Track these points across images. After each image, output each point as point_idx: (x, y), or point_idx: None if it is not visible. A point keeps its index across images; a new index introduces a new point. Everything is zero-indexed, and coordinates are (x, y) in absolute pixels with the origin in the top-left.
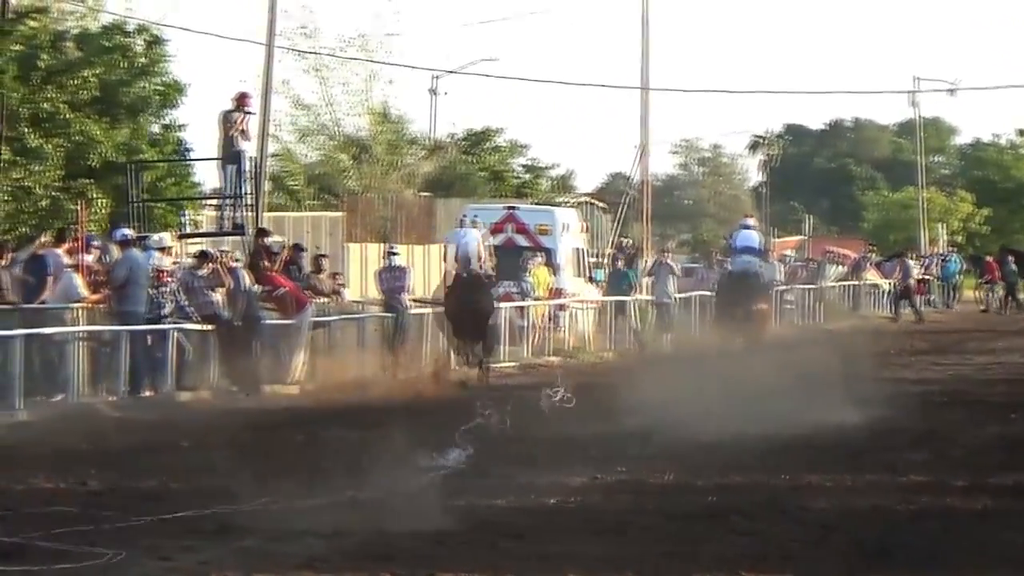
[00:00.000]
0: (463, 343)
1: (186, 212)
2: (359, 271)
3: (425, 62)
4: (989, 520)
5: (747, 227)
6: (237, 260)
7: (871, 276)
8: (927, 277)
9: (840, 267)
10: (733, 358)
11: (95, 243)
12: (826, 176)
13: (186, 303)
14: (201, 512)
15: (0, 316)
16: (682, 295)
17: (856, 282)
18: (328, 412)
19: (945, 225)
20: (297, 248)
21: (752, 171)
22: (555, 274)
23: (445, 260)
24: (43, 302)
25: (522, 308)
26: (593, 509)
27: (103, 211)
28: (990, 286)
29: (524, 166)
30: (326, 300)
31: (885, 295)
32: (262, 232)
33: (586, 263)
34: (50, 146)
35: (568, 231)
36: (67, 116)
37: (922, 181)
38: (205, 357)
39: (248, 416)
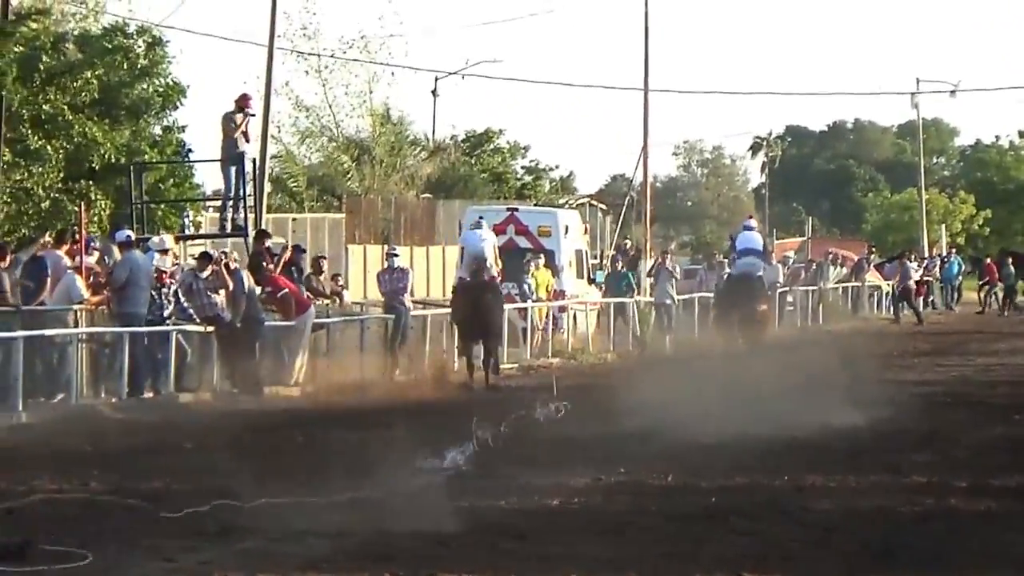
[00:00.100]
0: (469, 344)
1: (187, 213)
2: (360, 273)
3: (427, 63)
4: (992, 521)
5: (749, 228)
6: (235, 261)
7: (872, 278)
8: (928, 279)
9: (841, 268)
10: (734, 360)
11: (94, 244)
12: (827, 177)
13: (187, 304)
14: (203, 513)
15: (1, 317)
16: (683, 297)
17: (857, 283)
18: (329, 413)
19: (946, 227)
20: (297, 249)
21: (753, 172)
22: (556, 276)
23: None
24: (42, 303)
25: (523, 309)
26: (594, 510)
27: (104, 213)
28: (989, 288)
29: (525, 168)
30: (327, 302)
31: (886, 297)
32: (263, 234)
33: (587, 265)
34: (51, 148)
35: (569, 233)
36: (68, 118)
37: (923, 182)
38: (206, 359)
39: (249, 417)
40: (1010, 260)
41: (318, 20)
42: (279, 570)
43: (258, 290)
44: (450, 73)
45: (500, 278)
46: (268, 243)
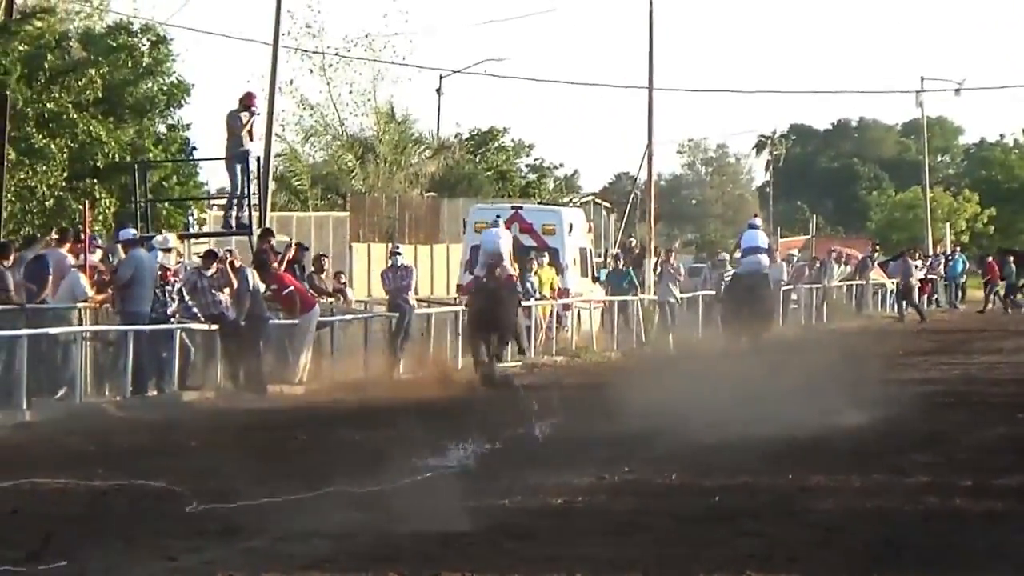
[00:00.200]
0: (483, 342)
1: (192, 212)
2: (364, 271)
3: (431, 62)
4: (996, 521)
5: (754, 227)
6: (239, 259)
7: (876, 276)
8: (932, 277)
9: (845, 267)
10: (737, 359)
11: (96, 242)
12: (831, 176)
13: (191, 303)
14: (206, 512)
15: (5, 316)
16: (687, 295)
17: (861, 282)
18: (333, 412)
19: (950, 225)
20: (300, 247)
21: (757, 171)
22: (560, 274)
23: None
24: (43, 301)
25: (527, 308)
26: (599, 509)
27: (108, 211)
28: (990, 286)
29: (529, 166)
30: (331, 300)
31: (890, 295)
32: (267, 232)
33: (591, 263)
34: (55, 146)
35: (574, 231)
36: (72, 116)
37: (927, 181)
38: (210, 357)
39: (253, 416)
40: (1011, 258)
41: (322, 18)
42: (283, 570)
43: (263, 288)
44: (454, 71)
45: (516, 277)
46: (272, 241)
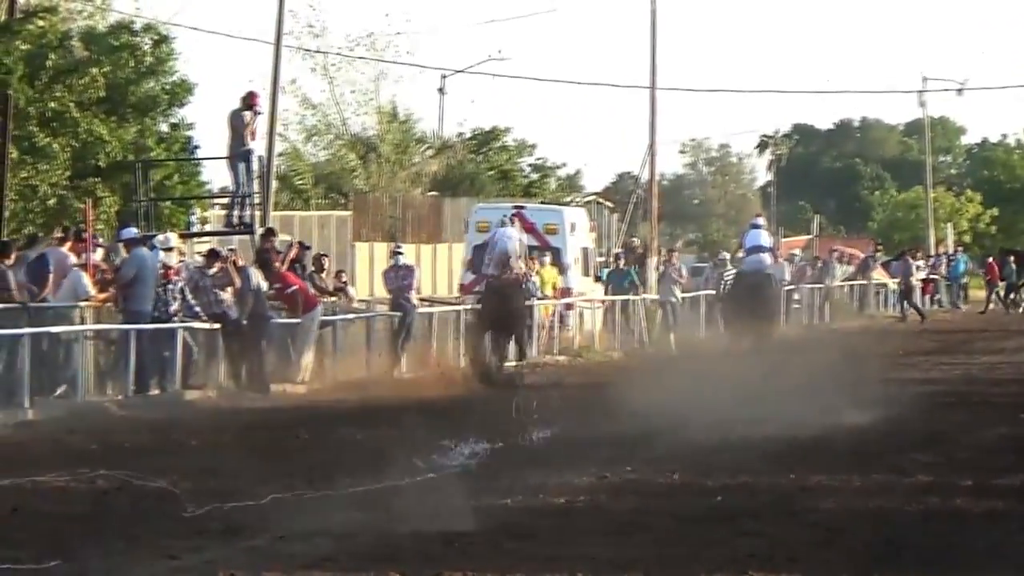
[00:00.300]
0: (488, 341)
1: (194, 211)
2: (367, 270)
3: (434, 61)
4: (997, 521)
5: (757, 226)
6: (241, 258)
7: (878, 276)
8: (934, 277)
9: (847, 267)
10: (739, 358)
11: (98, 240)
12: (834, 176)
13: (194, 302)
14: (208, 511)
15: (7, 315)
16: (689, 295)
17: (863, 282)
18: (335, 411)
19: (953, 225)
20: (302, 246)
21: (760, 171)
22: (563, 273)
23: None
24: (44, 300)
25: (529, 307)
26: (600, 509)
27: (111, 210)
28: (990, 287)
29: (532, 165)
30: (333, 299)
31: (893, 295)
32: (270, 232)
33: (594, 262)
34: (57, 145)
35: (576, 230)
36: (75, 115)
37: (929, 181)
38: (212, 356)
39: (255, 415)
40: (1012, 259)
41: (324, 18)
42: (284, 569)
43: (265, 286)
44: (457, 71)
45: (528, 276)
46: (275, 241)
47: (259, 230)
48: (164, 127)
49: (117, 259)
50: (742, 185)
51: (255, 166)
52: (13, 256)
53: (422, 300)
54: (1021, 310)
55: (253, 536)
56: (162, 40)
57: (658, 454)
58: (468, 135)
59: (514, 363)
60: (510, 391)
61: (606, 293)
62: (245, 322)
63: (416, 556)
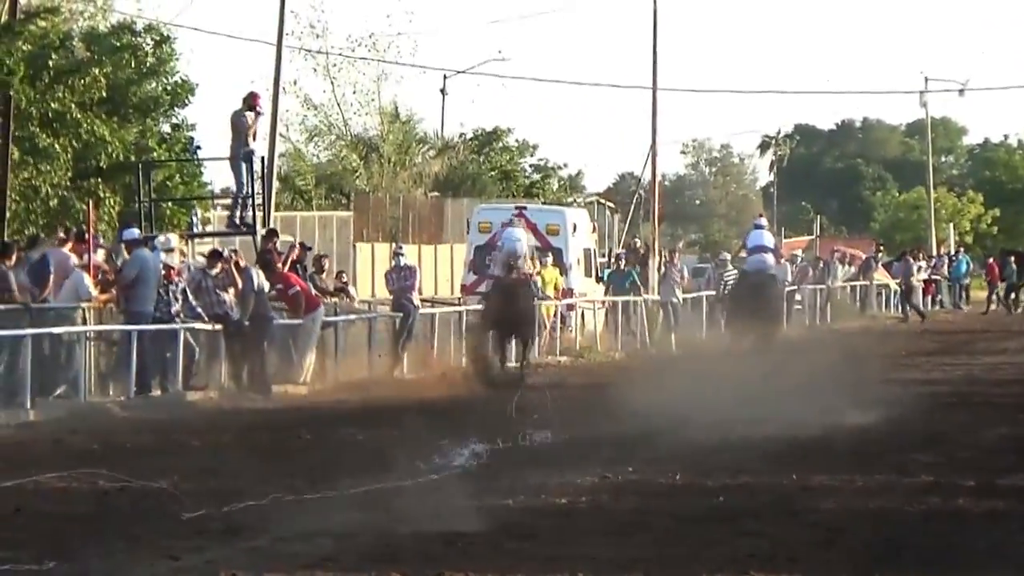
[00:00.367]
0: (496, 342)
1: (196, 211)
2: (368, 271)
3: (435, 62)
4: (999, 522)
5: (759, 227)
6: (243, 259)
7: (880, 276)
8: (936, 278)
9: (849, 267)
10: (741, 359)
11: (99, 241)
12: (835, 176)
13: (195, 303)
14: (210, 511)
15: (9, 315)
16: (690, 296)
17: (865, 282)
18: (337, 412)
19: (954, 226)
20: (304, 247)
21: (762, 171)
22: (564, 274)
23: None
24: (44, 301)
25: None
26: (602, 509)
27: (112, 211)
28: (991, 288)
29: (534, 166)
30: (334, 300)
31: (894, 295)
32: (272, 233)
33: (596, 263)
34: (59, 146)
35: (577, 231)
36: (76, 116)
37: (931, 181)
38: (214, 357)
39: (257, 416)
40: (1012, 259)
41: (326, 18)
42: (286, 569)
43: (267, 287)
44: (459, 72)
45: (534, 276)
46: (276, 242)
47: (261, 231)
48: (166, 128)
49: (119, 260)
50: (743, 186)
51: (257, 167)
52: (14, 257)
53: (423, 301)
54: (1020, 310)
55: (254, 537)
56: (164, 41)
57: (659, 454)
58: (470, 135)
59: (517, 364)
60: (512, 391)
61: (606, 294)
62: (247, 323)
63: (417, 556)
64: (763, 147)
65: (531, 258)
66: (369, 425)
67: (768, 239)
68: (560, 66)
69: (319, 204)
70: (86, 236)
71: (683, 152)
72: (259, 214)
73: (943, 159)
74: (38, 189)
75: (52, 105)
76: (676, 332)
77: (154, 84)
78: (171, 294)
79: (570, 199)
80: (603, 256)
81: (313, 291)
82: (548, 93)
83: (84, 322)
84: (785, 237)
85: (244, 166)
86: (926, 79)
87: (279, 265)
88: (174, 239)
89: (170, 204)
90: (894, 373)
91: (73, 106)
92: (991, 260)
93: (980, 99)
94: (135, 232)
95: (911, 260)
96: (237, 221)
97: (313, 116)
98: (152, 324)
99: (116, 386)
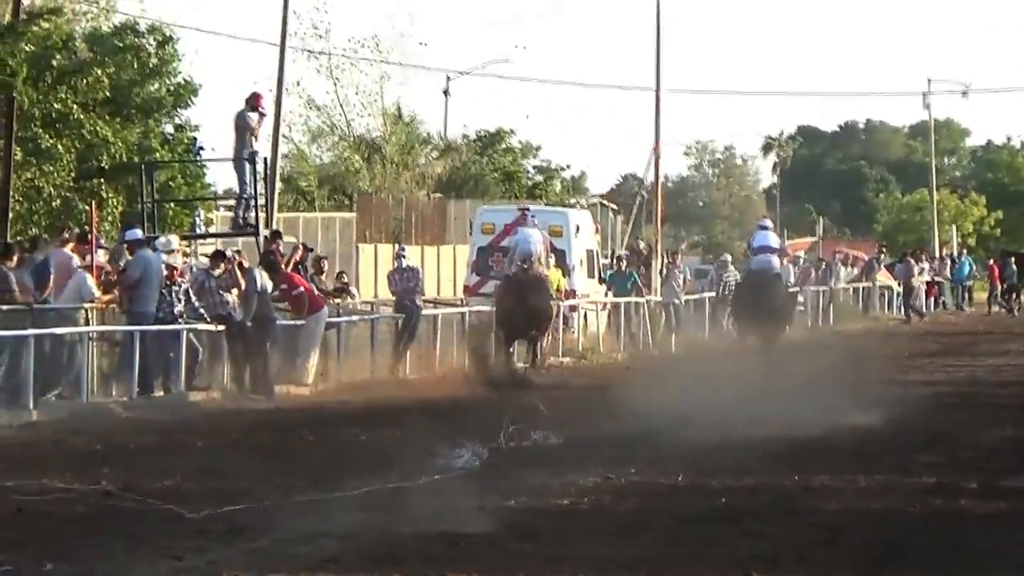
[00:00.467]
0: (504, 341)
1: (199, 212)
2: (371, 272)
3: (438, 63)
4: (1001, 523)
5: (764, 228)
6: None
7: (883, 278)
8: (938, 279)
9: (852, 269)
10: (743, 359)
11: (101, 241)
12: (838, 178)
13: (198, 303)
14: (212, 512)
15: (12, 316)
16: (692, 297)
17: (868, 284)
18: (340, 413)
19: (957, 227)
20: (306, 249)
21: (765, 173)
22: (567, 275)
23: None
24: (45, 301)
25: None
26: (605, 510)
27: (115, 211)
28: (991, 289)
29: (536, 167)
30: (336, 301)
31: (897, 297)
32: (276, 235)
33: (599, 265)
34: (62, 146)
35: (580, 232)
36: (79, 116)
37: (934, 183)
38: (217, 358)
39: (259, 416)
40: (1012, 260)
41: (329, 19)
42: (289, 570)
43: (270, 287)
44: (462, 73)
45: (547, 274)
46: (280, 244)
47: (265, 232)
48: (168, 128)
49: (121, 260)
50: (746, 187)
51: (260, 167)
52: (15, 258)
53: (426, 302)
54: (1019, 311)
55: (257, 537)
56: (166, 41)
57: (661, 455)
58: (473, 136)
59: (525, 365)
60: (516, 392)
61: (606, 294)
62: (249, 324)
63: (420, 557)
64: (766, 149)
65: (547, 257)
66: (371, 426)
67: (773, 240)
68: (563, 67)
69: (322, 205)
70: (89, 237)
71: (686, 153)
72: (262, 215)
73: (946, 161)
74: (41, 190)
75: (55, 106)
76: (678, 333)
77: (157, 85)
78: (174, 295)
79: (573, 200)
80: (606, 258)
81: (317, 292)
82: (551, 94)
83: (87, 322)
84: (788, 239)
85: (248, 167)
86: (929, 81)
87: (280, 265)
88: (174, 240)
89: (173, 205)
90: (896, 374)
91: (76, 107)
92: (992, 262)
93: (983, 101)
94: (138, 233)
95: (912, 261)
96: (241, 222)
97: (316, 117)
98: (155, 325)
99: (119, 387)
